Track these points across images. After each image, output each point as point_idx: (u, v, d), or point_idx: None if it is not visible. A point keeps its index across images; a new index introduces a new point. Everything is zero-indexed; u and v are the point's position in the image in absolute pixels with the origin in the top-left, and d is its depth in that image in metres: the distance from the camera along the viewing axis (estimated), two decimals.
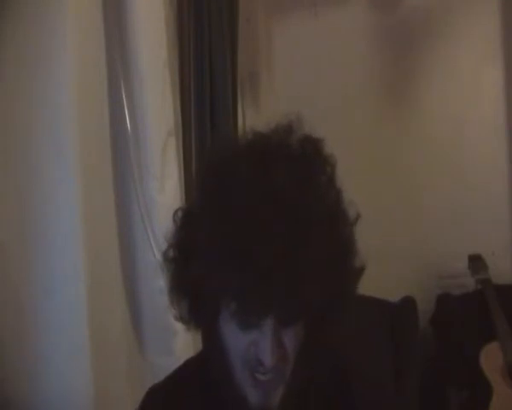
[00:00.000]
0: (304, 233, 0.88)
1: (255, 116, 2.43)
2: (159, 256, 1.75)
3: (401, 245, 2.49)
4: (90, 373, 1.62)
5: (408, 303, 1.97)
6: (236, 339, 0.94)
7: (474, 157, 2.52)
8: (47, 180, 1.60)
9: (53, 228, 1.60)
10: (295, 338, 0.95)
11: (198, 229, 0.94)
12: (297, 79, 2.51)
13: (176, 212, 1.00)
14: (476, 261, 2.38)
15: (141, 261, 1.80)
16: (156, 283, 1.77)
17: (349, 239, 0.97)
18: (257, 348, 0.92)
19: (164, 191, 1.78)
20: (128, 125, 1.75)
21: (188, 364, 1.13)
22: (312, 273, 0.88)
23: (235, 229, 0.88)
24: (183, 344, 1.79)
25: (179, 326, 1.77)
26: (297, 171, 0.92)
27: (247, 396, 0.96)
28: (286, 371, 0.96)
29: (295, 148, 0.95)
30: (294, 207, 0.89)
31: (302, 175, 0.92)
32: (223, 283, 0.91)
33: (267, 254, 0.86)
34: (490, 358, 2.16)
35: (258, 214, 0.88)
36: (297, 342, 0.95)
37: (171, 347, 1.78)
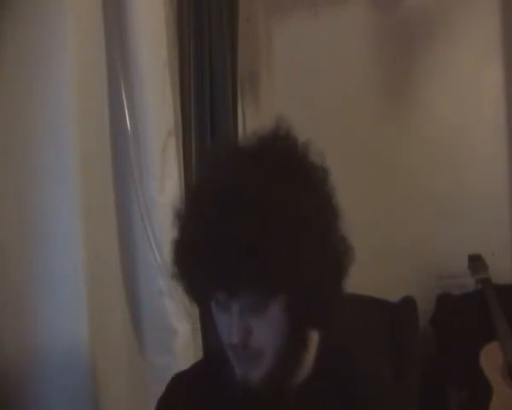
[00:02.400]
0: (269, 219, 0.94)
1: (255, 116, 2.43)
2: (158, 256, 1.76)
3: (401, 245, 2.49)
4: (90, 373, 1.62)
5: (408, 303, 1.97)
6: (217, 319, 1.03)
7: (474, 157, 2.52)
8: (47, 180, 1.60)
9: (53, 228, 1.60)
10: (268, 326, 1.00)
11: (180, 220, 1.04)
12: (297, 79, 2.51)
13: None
14: (476, 261, 2.38)
15: (141, 261, 1.80)
16: (156, 283, 1.77)
17: (325, 235, 1.00)
18: (227, 330, 1.00)
19: (164, 191, 1.78)
20: (128, 125, 1.75)
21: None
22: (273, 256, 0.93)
23: (207, 222, 0.96)
24: (183, 344, 1.79)
25: (179, 326, 1.79)
26: (273, 168, 0.98)
27: (233, 370, 1.04)
28: (263, 360, 1.01)
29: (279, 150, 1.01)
30: (261, 196, 0.94)
31: (274, 172, 0.97)
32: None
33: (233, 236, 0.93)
34: (490, 358, 2.16)
35: (218, 203, 0.96)
36: (271, 330, 1.00)
37: (171, 347, 1.78)
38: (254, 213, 0.93)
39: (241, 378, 1.03)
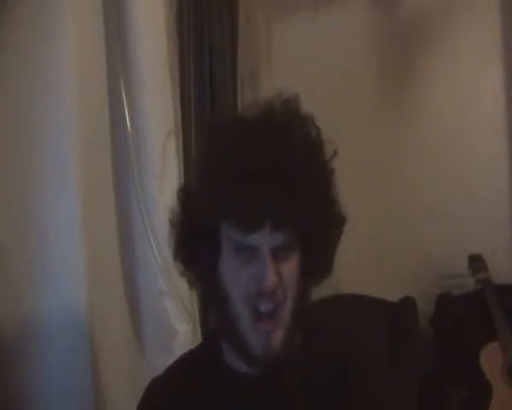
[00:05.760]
0: (291, 147, 1.01)
1: None
2: (158, 256, 1.76)
3: (401, 245, 2.49)
4: (90, 373, 1.62)
5: (408, 303, 1.97)
6: (237, 278, 0.99)
7: (474, 157, 2.53)
8: (47, 180, 1.60)
9: (53, 228, 1.60)
10: (292, 272, 1.00)
11: (196, 175, 1.07)
12: (297, 78, 2.50)
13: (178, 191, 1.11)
14: (476, 261, 2.38)
15: (141, 261, 1.80)
16: (156, 283, 1.77)
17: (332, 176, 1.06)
18: (256, 279, 0.97)
19: (164, 191, 1.77)
20: (128, 125, 1.75)
21: (187, 353, 1.20)
22: (304, 179, 0.98)
23: (235, 145, 0.99)
24: (183, 344, 1.79)
25: (179, 326, 1.79)
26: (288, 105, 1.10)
27: (250, 343, 0.99)
28: (284, 313, 1.00)
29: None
30: (282, 129, 1.04)
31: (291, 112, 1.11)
32: (223, 190, 0.98)
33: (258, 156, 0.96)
34: (490, 358, 2.16)
35: (246, 131, 1.02)
36: (293, 278, 1.00)
37: (171, 347, 1.78)
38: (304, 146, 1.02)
39: (261, 346, 0.99)
